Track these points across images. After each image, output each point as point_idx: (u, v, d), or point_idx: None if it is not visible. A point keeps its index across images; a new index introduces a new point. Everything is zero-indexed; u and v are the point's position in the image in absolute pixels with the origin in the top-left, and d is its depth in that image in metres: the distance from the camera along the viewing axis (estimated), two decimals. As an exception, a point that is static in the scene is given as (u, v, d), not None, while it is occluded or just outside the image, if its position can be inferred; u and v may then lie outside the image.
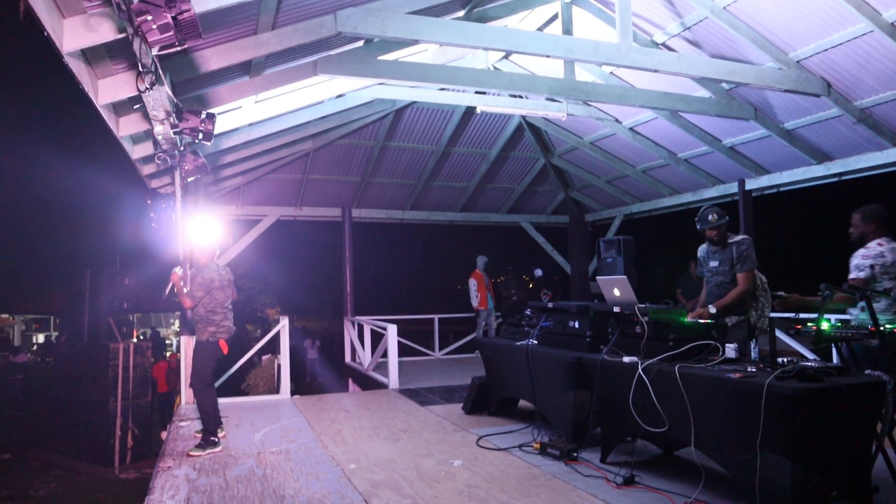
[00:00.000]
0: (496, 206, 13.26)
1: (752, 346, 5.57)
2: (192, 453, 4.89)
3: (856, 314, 4.04)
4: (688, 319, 4.09)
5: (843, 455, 3.08)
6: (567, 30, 6.93)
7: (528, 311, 5.85)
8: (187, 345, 6.90)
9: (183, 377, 7.23)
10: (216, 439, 5.05)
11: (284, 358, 8.12)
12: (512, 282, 11.67)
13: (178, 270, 5.33)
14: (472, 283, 11.26)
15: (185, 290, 5.22)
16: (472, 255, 11.76)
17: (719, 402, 3.35)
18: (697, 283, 9.45)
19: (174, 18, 3.40)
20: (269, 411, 6.77)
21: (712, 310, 4.42)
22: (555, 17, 7.71)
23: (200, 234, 5.68)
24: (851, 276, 4.00)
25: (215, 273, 5.38)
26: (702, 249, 4.91)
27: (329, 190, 11.63)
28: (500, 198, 13.05)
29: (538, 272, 11.98)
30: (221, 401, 7.18)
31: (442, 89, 8.45)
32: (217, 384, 6.24)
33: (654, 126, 9.29)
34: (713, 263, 4.76)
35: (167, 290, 5.40)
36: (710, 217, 4.67)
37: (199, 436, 5.29)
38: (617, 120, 9.56)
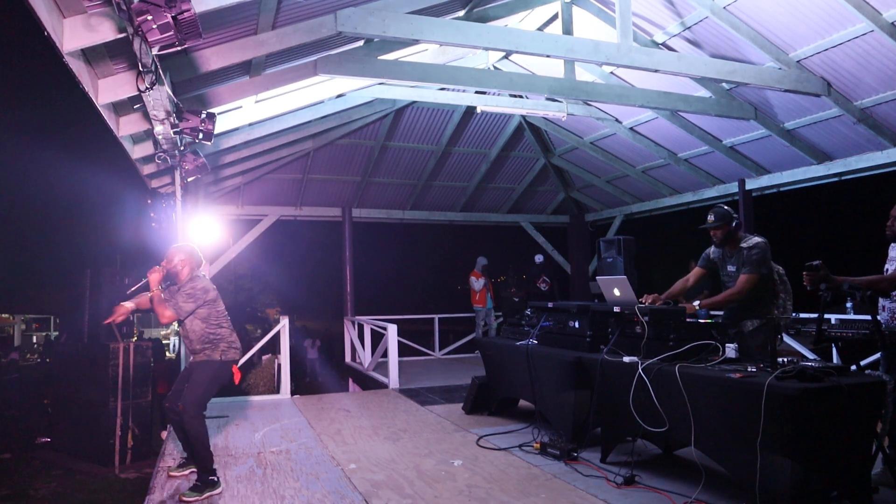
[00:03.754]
0: (496, 206, 13.26)
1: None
2: (186, 498, 3.90)
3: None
4: (655, 305, 4.12)
5: (843, 455, 3.08)
6: (567, 30, 6.93)
7: (528, 311, 5.85)
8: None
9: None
10: (216, 479, 4.10)
11: (284, 358, 8.12)
12: (512, 280, 11.69)
13: (159, 268, 4.29)
14: (473, 279, 11.37)
15: (161, 297, 4.20)
16: (472, 255, 11.80)
17: (719, 402, 3.35)
18: (697, 283, 9.41)
19: (174, 18, 3.40)
20: (269, 411, 6.76)
21: (696, 304, 4.32)
22: (555, 16, 7.70)
23: (184, 241, 4.91)
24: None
25: (208, 282, 4.43)
26: (715, 251, 4.63)
27: (329, 190, 11.63)
28: (500, 198, 13.05)
29: (539, 258, 11.95)
30: (221, 400, 7.20)
31: (442, 89, 8.45)
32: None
33: (654, 126, 9.29)
34: (731, 268, 4.49)
35: (134, 288, 4.33)
36: (708, 217, 4.46)
37: (187, 473, 4.43)
38: (617, 120, 9.56)
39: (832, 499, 3.13)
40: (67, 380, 10.87)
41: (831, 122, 7.50)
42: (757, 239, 4.40)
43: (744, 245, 4.39)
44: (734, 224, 4.41)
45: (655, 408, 3.71)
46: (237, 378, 4.49)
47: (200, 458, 4.11)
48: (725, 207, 4.47)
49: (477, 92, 8.42)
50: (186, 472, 4.44)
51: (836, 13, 5.88)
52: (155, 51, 3.66)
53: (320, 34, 5.27)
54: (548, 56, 5.84)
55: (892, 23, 5.75)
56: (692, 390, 3.48)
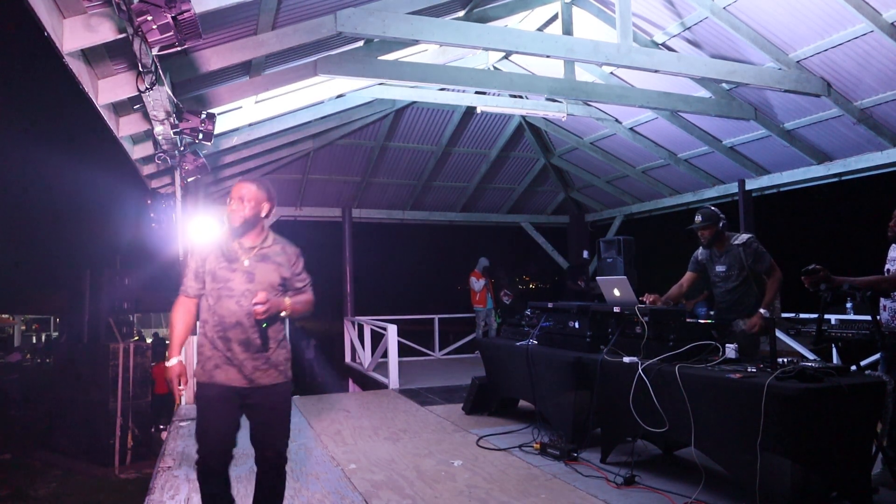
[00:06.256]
0: (496, 206, 13.26)
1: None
2: None
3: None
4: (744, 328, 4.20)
5: (843, 455, 3.08)
6: (567, 30, 6.93)
7: (528, 311, 5.85)
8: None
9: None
10: None
11: (284, 358, 8.09)
12: (504, 282, 11.71)
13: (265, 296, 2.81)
14: (473, 279, 11.37)
15: (293, 303, 3.05)
16: (472, 255, 11.78)
17: (719, 402, 3.35)
18: (691, 287, 9.41)
19: (174, 18, 3.40)
20: (269, 411, 6.76)
21: (763, 311, 4.21)
22: (555, 17, 7.70)
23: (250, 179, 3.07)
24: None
25: None
26: (703, 253, 4.63)
27: (329, 190, 11.64)
28: (500, 198, 13.05)
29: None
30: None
31: (442, 89, 8.45)
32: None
33: (654, 126, 9.29)
34: (720, 268, 4.48)
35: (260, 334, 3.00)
36: (696, 218, 4.45)
37: None
38: (617, 120, 9.56)
39: (832, 499, 3.13)
40: (67, 380, 10.89)
41: (831, 122, 7.50)
42: (746, 235, 4.45)
43: (735, 242, 4.41)
44: (721, 224, 4.43)
45: (655, 408, 3.71)
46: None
47: None
48: (712, 208, 4.50)
49: (477, 92, 8.42)
50: None
51: (836, 13, 5.88)
52: (155, 51, 3.66)
53: (320, 34, 5.27)
54: (548, 56, 5.84)
55: (892, 23, 5.74)
56: (692, 390, 3.48)
